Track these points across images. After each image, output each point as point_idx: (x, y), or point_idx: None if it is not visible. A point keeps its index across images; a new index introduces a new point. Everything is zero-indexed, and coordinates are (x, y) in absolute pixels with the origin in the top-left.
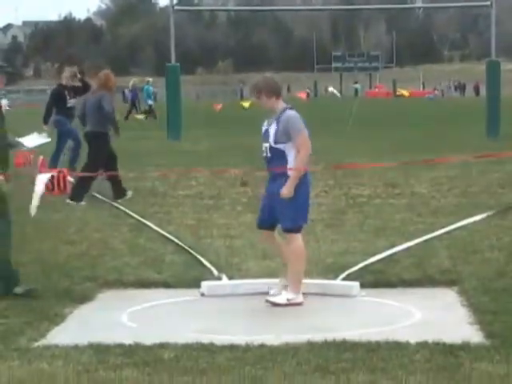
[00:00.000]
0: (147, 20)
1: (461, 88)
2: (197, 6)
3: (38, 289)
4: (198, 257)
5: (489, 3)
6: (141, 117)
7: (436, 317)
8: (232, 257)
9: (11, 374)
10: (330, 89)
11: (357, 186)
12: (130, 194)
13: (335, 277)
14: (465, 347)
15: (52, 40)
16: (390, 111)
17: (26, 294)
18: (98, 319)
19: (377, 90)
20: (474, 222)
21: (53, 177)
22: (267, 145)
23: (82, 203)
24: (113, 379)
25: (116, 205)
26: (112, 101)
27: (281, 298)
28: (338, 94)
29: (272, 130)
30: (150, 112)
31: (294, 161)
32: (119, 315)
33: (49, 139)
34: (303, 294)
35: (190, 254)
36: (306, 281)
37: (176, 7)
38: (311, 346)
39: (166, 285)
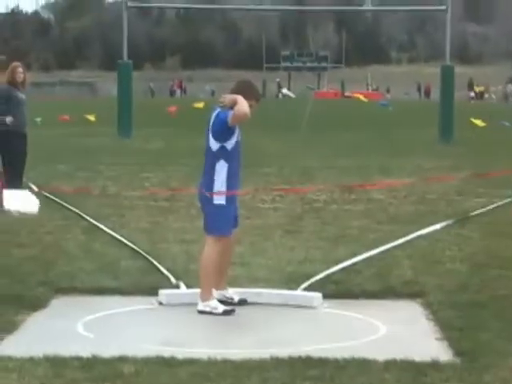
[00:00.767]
0: (95, 15)
1: (420, 91)
2: (148, 3)
3: None
4: (155, 263)
5: (444, 8)
6: None
7: (401, 331)
8: (189, 263)
9: None
10: (284, 90)
11: (312, 190)
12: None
13: (296, 286)
14: (434, 366)
15: None
16: (341, 113)
17: None
18: (52, 328)
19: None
20: (435, 231)
21: None
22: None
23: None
24: None
25: (68, 206)
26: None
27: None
28: (293, 96)
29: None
30: None
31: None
32: (75, 324)
33: None
34: (264, 304)
35: (147, 259)
36: (267, 290)
37: (129, 3)
38: (276, 361)
39: (122, 292)
